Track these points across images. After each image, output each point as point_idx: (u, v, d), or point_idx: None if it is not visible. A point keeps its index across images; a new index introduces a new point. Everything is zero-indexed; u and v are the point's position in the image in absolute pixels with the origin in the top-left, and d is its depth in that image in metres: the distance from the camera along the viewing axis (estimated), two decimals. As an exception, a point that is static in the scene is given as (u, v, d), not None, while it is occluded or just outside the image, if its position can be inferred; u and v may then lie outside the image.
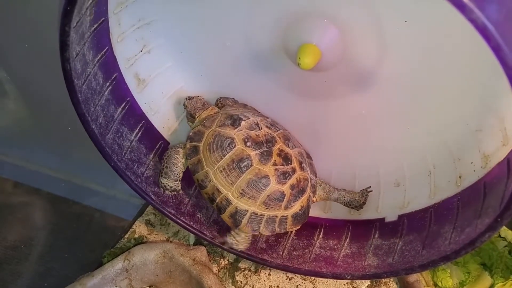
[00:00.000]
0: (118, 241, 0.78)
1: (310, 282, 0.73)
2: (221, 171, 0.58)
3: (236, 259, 0.76)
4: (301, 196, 0.60)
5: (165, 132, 0.70)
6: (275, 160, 0.58)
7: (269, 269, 0.74)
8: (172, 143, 0.71)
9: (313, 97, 0.62)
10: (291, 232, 0.67)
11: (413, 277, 0.69)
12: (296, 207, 0.60)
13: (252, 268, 0.75)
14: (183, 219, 0.68)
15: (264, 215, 0.59)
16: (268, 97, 0.65)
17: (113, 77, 0.64)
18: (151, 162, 0.68)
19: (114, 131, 0.65)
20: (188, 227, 0.68)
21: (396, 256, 0.58)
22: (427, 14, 0.49)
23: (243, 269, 0.75)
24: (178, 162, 0.63)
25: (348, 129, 0.64)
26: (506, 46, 0.35)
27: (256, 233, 0.60)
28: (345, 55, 0.55)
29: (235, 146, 0.58)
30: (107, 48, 0.62)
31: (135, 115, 0.67)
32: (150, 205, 0.78)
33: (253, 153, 0.57)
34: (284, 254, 0.66)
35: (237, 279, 0.74)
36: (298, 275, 0.73)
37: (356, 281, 0.72)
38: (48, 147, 1.04)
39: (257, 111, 0.66)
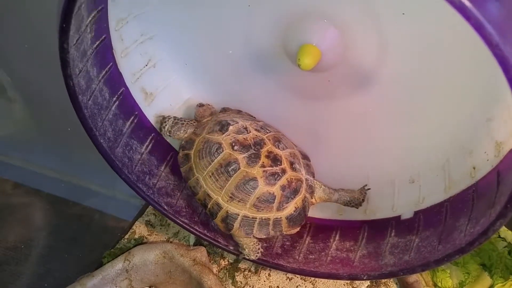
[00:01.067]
0: (118, 242, 0.78)
1: (310, 282, 0.73)
2: (210, 176, 0.59)
3: (236, 259, 0.76)
4: (294, 197, 0.59)
5: (175, 143, 0.70)
6: (263, 162, 0.58)
7: (269, 270, 0.74)
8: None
9: (314, 98, 0.62)
10: (307, 236, 0.67)
11: (412, 278, 0.69)
12: (289, 208, 0.59)
13: (252, 269, 0.75)
14: (197, 228, 0.68)
15: (256, 218, 0.59)
16: (269, 99, 0.65)
17: (120, 92, 0.65)
18: (163, 173, 0.69)
19: (124, 145, 0.65)
20: (202, 235, 0.68)
21: (413, 253, 0.58)
22: (427, 13, 0.49)
23: (243, 270, 0.75)
24: (186, 132, 0.64)
25: (354, 129, 0.63)
26: (504, 45, 0.35)
27: (250, 237, 0.60)
28: (345, 55, 0.55)
29: (222, 150, 0.58)
30: (111, 64, 0.63)
31: (144, 128, 0.67)
32: (150, 206, 0.78)
33: (241, 157, 0.58)
34: (300, 258, 0.66)
35: (237, 279, 0.74)
36: (298, 276, 0.73)
37: (356, 281, 0.72)
38: (48, 148, 1.04)
39: (250, 115, 0.67)
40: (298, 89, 0.63)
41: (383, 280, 0.72)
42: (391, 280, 0.72)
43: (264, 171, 0.57)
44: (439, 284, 0.70)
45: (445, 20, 0.48)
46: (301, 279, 0.73)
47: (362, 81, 0.57)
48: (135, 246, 0.74)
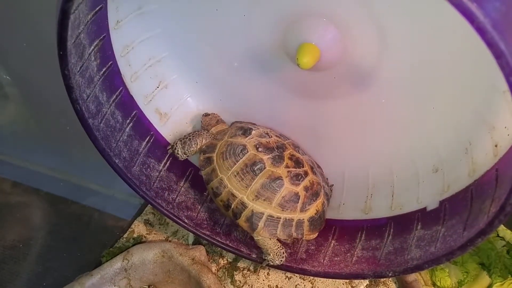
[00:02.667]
0: (117, 241, 0.78)
1: (309, 281, 0.73)
2: (235, 176, 0.59)
3: (235, 258, 0.76)
4: (316, 199, 0.60)
5: (195, 158, 0.70)
6: (287, 163, 0.59)
7: (268, 269, 0.74)
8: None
9: (314, 97, 0.62)
10: (332, 238, 0.66)
11: (411, 277, 0.69)
12: (311, 210, 0.60)
13: (251, 268, 0.75)
14: (219, 239, 0.68)
15: (280, 218, 0.59)
16: (269, 98, 0.65)
17: (133, 114, 0.65)
18: (182, 188, 0.69)
19: (141, 164, 0.66)
20: (224, 246, 0.68)
21: (439, 244, 0.56)
22: (427, 13, 0.49)
23: (242, 269, 0.75)
24: (198, 145, 0.65)
25: (362, 125, 0.63)
26: (506, 48, 0.35)
27: (274, 237, 0.61)
28: (344, 54, 0.55)
29: (247, 151, 0.59)
30: (121, 88, 0.63)
31: (161, 147, 0.68)
32: (149, 205, 0.78)
33: (265, 157, 0.59)
34: (325, 261, 0.65)
35: (236, 278, 0.74)
36: (297, 275, 0.73)
37: (355, 280, 0.72)
38: (47, 147, 1.04)
39: (265, 127, 0.67)
40: (298, 88, 0.63)
41: (381, 280, 0.72)
42: (390, 279, 0.72)
43: (288, 171, 0.59)
44: (438, 283, 0.70)
45: (446, 20, 0.48)
46: (300, 278, 0.73)
47: (362, 80, 0.57)
48: (134, 245, 0.74)
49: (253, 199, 0.59)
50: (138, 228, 0.80)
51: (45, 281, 0.86)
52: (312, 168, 0.62)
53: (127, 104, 0.64)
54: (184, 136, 0.66)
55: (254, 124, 0.67)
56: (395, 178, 0.65)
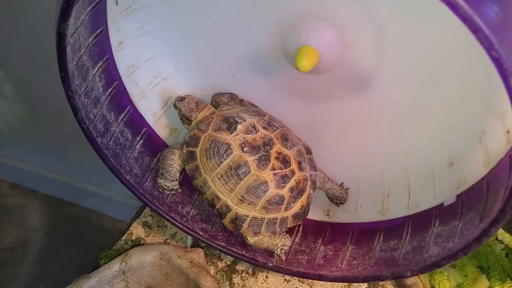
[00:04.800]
0: (115, 243, 0.78)
1: (308, 284, 0.73)
2: (219, 178, 0.58)
3: (233, 261, 0.76)
4: (301, 196, 0.60)
5: None
6: (273, 165, 0.58)
7: (267, 272, 0.74)
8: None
9: (313, 99, 0.62)
10: (350, 243, 0.66)
11: (410, 280, 0.69)
12: (296, 207, 0.60)
13: (250, 271, 0.75)
14: (235, 250, 0.68)
15: (264, 218, 0.59)
16: (268, 100, 0.65)
17: (142, 132, 0.65)
18: (196, 201, 0.69)
19: (153, 179, 0.66)
20: (240, 256, 0.68)
21: (456, 239, 0.55)
22: (425, 16, 0.49)
23: (240, 272, 0.75)
24: (174, 163, 0.63)
25: (375, 123, 0.62)
26: (503, 51, 0.35)
27: (258, 236, 0.60)
28: (343, 57, 0.55)
29: (232, 152, 0.57)
30: (129, 107, 0.64)
31: None
32: (147, 207, 0.77)
33: (251, 159, 0.57)
34: (343, 265, 0.64)
35: (234, 281, 0.74)
36: (296, 278, 0.73)
37: (354, 284, 0.72)
38: (45, 148, 1.04)
39: (254, 106, 0.66)
40: (296, 91, 0.63)
41: (380, 282, 0.72)
42: (390, 282, 0.72)
43: (274, 174, 0.57)
44: (437, 287, 0.70)
45: (444, 23, 0.48)
46: (298, 281, 0.73)
47: (362, 81, 0.57)
48: (132, 247, 0.73)
49: (237, 203, 0.58)
50: (137, 230, 0.80)
51: (43, 283, 0.85)
52: (299, 163, 0.59)
53: (136, 122, 0.65)
54: (158, 169, 0.64)
55: (242, 101, 0.65)
56: (411, 176, 0.64)
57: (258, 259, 0.68)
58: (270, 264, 0.67)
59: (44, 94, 0.93)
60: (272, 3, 0.54)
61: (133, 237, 0.79)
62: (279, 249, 0.63)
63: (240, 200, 0.58)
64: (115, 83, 0.61)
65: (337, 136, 0.66)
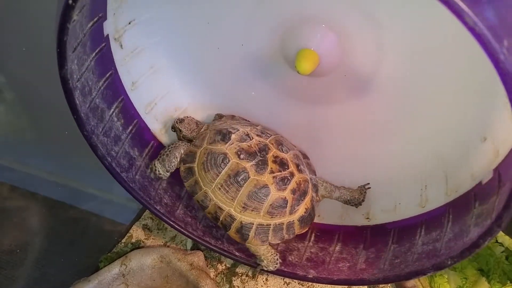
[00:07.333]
0: (115, 246, 0.78)
1: (307, 287, 0.73)
2: (220, 188, 0.58)
3: (233, 264, 0.75)
4: (304, 198, 0.60)
5: None
6: (271, 168, 0.58)
7: (267, 274, 0.74)
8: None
9: (313, 102, 0.63)
10: (392, 242, 0.64)
11: (410, 283, 0.69)
12: (300, 210, 0.60)
13: (250, 273, 0.75)
14: (284, 269, 0.66)
15: (270, 224, 0.59)
16: (268, 103, 0.65)
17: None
18: None
19: (184, 207, 0.66)
20: (287, 275, 0.66)
21: (494, 214, 0.52)
22: (425, 20, 0.49)
23: (240, 274, 0.74)
24: (178, 157, 0.62)
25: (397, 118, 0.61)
26: (502, 53, 0.35)
27: (266, 244, 0.60)
28: (343, 60, 0.55)
29: (229, 161, 0.57)
30: (152, 142, 0.65)
31: None
32: (147, 210, 0.77)
33: (249, 165, 0.57)
34: (385, 266, 0.63)
35: (234, 284, 0.73)
36: (296, 280, 0.73)
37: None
38: (45, 151, 1.04)
39: (245, 120, 0.66)
40: (296, 94, 0.63)
41: (380, 285, 0.72)
42: (388, 285, 0.72)
43: (274, 177, 0.57)
44: (437, 289, 0.70)
45: (444, 27, 0.48)
46: (298, 283, 0.73)
47: (361, 85, 0.57)
48: (132, 250, 0.73)
49: (240, 211, 0.58)
50: (136, 233, 0.80)
51: (42, 286, 0.85)
52: (297, 166, 0.60)
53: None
54: (160, 153, 0.63)
55: (233, 116, 0.66)
56: (446, 161, 0.61)
57: (298, 272, 0.66)
58: (310, 276, 0.65)
59: (44, 97, 0.93)
60: (272, 6, 0.54)
61: (133, 240, 0.79)
62: (264, 263, 0.63)
63: (243, 207, 0.58)
64: (135, 121, 0.62)
65: (348, 138, 0.65)
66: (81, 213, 0.98)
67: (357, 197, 0.65)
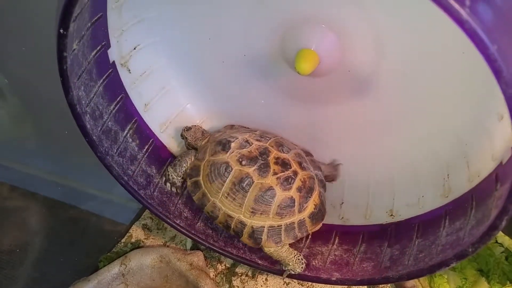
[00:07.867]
0: (115, 246, 0.78)
1: (307, 287, 0.73)
2: (226, 197, 0.59)
3: (233, 264, 0.75)
4: (311, 195, 0.60)
5: None
6: (274, 170, 0.58)
7: (266, 274, 0.74)
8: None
9: (313, 102, 0.63)
10: (417, 237, 0.63)
11: (410, 283, 0.69)
12: (310, 207, 0.60)
13: (249, 273, 0.75)
14: (307, 273, 0.66)
15: (281, 225, 0.59)
16: (268, 103, 0.65)
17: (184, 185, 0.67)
18: None
19: (205, 219, 0.67)
20: (303, 277, 0.66)
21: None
22: (424, 21, 0.49)
23: (240, 274, 0.75)
24: (188, 163, 0.64)
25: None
26: (503, 60, 0.35)
27: (279, 245, 0.60)
28: (343, 60, 0.55)
29: (231, 169, 0.59)
30: (169, 160, 0.66)
31: None
32: (147, 210, 0.77)
33: (251, 170, 0.58)
34: (409, 262, 0.61)
35: (234, 284, 0.74)
36: (295, 280, 0.73)
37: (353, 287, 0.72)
38: (45, 150, 1.04)
39: (244, 127, 0.67)
40: (296, 94, 0.63)
41: (380, 286, 0.72)
42: (389, 285, 0.72)
43: (277, 178, 0.58)
44: (437, 290, 0.70)
45: (442, 29, 0.48)
46: (298, 283, 0.73)
47: (361, 85, 0.57)
48: (131, 250, 0.74)
49: (250, 216, 0.59)
50: (136, 232, 0.80)
51: (42, 286, 0.85)
52: (300, 164, 0.60)
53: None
54: (173, 161, 0.66)
55: (232, 126, 0.67)
56: (466, 146, 0.60)
57: (322, 276, 0.65)
58: (334, 279, 0.64)
59: (44, 97, 0.93)
60: (272, 6, 0.54)
61: (133, 240, 0.79)
62: (290, 266, 0.63)
63: (252, 212, 0.58)
64: (150, 140, 0.62)
65: (356, 135, 0.65)
66: (81, 213, 0.98)
67: (335, 173, 0.66)
